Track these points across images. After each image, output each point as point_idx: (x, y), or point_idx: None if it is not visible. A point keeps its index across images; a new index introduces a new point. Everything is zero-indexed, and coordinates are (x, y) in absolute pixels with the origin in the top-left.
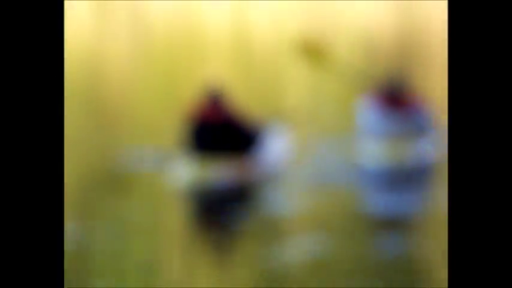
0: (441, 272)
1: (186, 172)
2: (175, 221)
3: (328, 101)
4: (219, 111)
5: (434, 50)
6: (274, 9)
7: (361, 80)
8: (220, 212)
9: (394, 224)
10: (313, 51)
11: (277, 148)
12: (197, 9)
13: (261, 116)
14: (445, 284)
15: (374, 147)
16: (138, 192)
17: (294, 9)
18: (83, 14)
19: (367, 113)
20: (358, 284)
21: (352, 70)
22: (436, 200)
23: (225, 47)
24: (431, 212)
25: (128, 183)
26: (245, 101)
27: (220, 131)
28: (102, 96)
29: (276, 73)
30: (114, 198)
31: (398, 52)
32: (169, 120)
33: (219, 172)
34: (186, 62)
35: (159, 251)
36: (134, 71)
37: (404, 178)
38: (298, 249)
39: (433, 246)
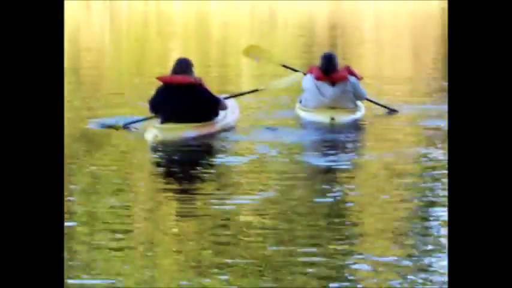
0: (364, 214)
1: (154, 128)
2: (141, 167)
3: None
4: (185, 75)
5: (358, 32)
6: None
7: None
8: (184, 163)
9: (329, 174)
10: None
11: (232, 113)
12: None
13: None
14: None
15: (313, 113)
16: (111, 145)
17: None
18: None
19: (306, 85)
20: (300, 221)
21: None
22: (364, 156)
23: (189, 29)
24: (360, 166)
25: (103, 139)
26: (203, 74)
27: (187, 92)
28: (83, 68)
29: (230, 54)
30: (92, 149)
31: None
32: (140, 87)
33: (184, 128)
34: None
35: (128, 182)
36: (110, 47)
37: (338, 137)
38: (249, 192)
39: (360, 193)
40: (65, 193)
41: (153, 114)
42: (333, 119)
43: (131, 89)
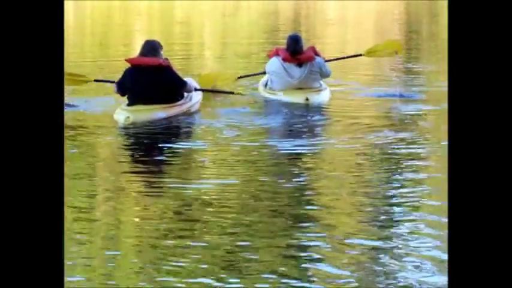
0: (321, 196)
1: (124, 110)
2: (111, 150)
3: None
4: (154, 57)
5: (322, 15)
6: None
7: None
8: (152, 145)
9: (294, 159)
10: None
11: (196, 95)
12: None
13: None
14: None
15: (285, 95)
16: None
17: None
18: None
19: (272, 67)
20: (263, 204)
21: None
22: (325, 139)
23: (153, 9)
24: (323, 150)
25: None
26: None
27: (155, 74)
28: None
29: (193, 35)
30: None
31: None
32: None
33: (153, 110)
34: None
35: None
36: (73, 28)
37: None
38: (217, 175)
39: (320, 176)
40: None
41: (116, 92)
42: (307, 99)
43: (95, 70)
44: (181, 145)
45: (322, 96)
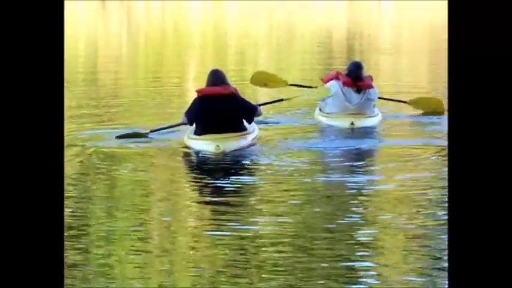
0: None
1: (211, 140)
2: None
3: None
4: (224, 86)
5: (375, 42)
6: (245, 9)
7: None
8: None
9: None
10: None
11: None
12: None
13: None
14: None
15: (334, 119)
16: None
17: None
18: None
19: (332, 90)
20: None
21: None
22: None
23: (206, 39)
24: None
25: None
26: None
27: (226, 102)
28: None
29: (249, 63)
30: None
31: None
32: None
33: (235, 138)
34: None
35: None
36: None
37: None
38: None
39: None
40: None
41: (186, 124)
42: (352, 123)
43: (150, 98)
44: (237, 180)
45: (370, 121)
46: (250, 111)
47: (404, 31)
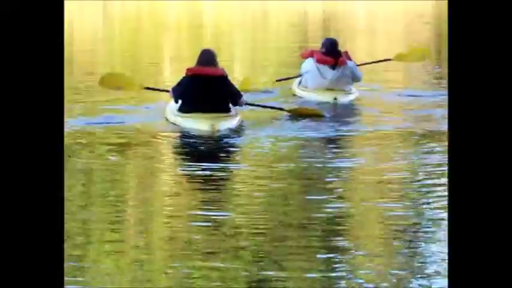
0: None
1: (205, 119)
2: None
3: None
4: (214, 66)
5: (351, 24)
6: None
7: None
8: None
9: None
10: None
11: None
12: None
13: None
14: None
15: (315, 94)
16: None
17: None
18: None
19: (307, 67)
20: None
21: None
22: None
23: (181, 24)
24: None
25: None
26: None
27: (215, 83)
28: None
29: (224, 43)
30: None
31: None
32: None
33: (227, 118)
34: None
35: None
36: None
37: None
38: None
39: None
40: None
41: (172, 98)
42: (335, 99)
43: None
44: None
45: (351, 97)
46: (237, 94)
47: (379, 11)
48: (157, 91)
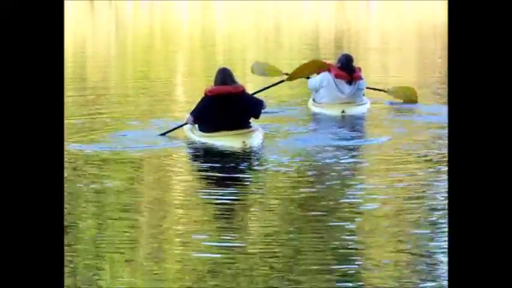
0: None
1: (235, 136)
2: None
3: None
4: (233, 84)
5: (363, 41)
6: (233, 9)
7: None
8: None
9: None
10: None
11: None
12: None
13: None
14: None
15: (325, 108)
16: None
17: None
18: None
19: (324, 81)
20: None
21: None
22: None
23: (194, 40)
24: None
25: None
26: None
27: (235, 100)
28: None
29: (237, 61)
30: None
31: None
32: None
33: (250, 137)
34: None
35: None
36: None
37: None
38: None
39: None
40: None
41: (191, 123)
42: (343, 111)
43: (139, 94)
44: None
45: (360, 109)
46: (259, 107)
47: (392, 30)
48: (175, 130)
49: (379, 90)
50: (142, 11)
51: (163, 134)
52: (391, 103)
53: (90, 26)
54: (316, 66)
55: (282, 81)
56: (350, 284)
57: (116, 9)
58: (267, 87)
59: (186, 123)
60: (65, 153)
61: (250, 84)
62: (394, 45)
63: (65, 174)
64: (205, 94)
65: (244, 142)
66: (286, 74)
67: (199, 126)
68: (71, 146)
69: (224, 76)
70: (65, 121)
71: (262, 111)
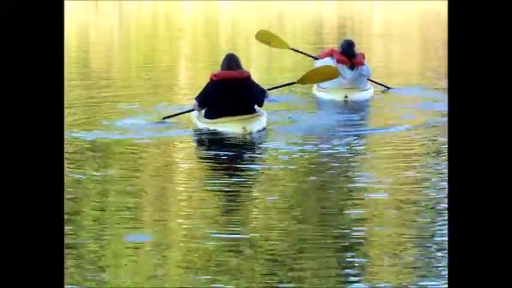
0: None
1: (235, 122)
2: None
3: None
4: (239, 69)
5: (366, 28)
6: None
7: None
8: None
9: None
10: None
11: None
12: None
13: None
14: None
15: (329, 93)
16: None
17: None
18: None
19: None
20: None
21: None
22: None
23: (197, 28)
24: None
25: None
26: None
27: (241, 86)
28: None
29: (240, 48)
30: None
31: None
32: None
33: (255, 118)
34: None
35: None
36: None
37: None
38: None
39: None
40: (65, 194)
41: (198, 109)
42: (346, 97)
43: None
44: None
45: (364, 95)
46: (262, 94)
47: (394, 19)
48: (178, 115)
49: (381, 85)
50: (145, 8)
51: (166, 118)
52: (397, 90)
53: (94, 14)
54: (327, 73)
55: (293, 83)
56: (351, 273)
57: (120, 8)
58: (278, 87)
59: (192, 110)
60: (65, 141)
61: (253, 71)
62: (397, 33)
63: (65, 163)
64: (211, 79)
65: (244, 128)
66: (294, 81)
67: (205, 113)
68: (72, 134)
69: (230, 61)
70: (66, 111)
71: (265, 100)
